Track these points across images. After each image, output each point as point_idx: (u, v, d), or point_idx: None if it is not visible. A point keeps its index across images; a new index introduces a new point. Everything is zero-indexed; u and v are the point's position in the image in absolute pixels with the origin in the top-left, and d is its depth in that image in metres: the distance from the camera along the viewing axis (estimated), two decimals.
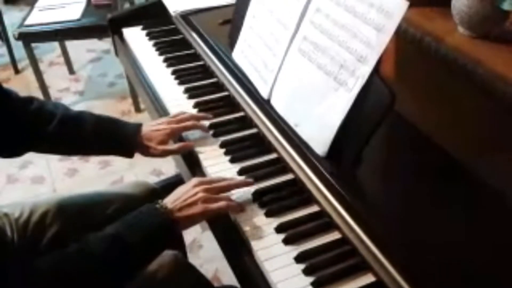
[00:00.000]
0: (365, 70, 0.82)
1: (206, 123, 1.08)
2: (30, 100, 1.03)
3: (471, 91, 0.92)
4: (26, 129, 1.00)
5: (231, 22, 1.25)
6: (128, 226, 0.81)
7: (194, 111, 1.10)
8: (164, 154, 1.04)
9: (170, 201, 0.85)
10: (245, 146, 1.03)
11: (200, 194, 0.85)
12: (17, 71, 2.84)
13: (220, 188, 0.88)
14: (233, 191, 0.90)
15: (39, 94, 2.39)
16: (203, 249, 1.74)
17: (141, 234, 0.80)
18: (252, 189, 0.91)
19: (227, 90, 1.18)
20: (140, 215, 0.83)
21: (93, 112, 1.07)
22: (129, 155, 1.06)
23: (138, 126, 1.06)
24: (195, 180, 0.89)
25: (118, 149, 1.06)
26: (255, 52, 1.09)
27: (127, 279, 0.81)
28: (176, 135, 1.06)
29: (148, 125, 1.06)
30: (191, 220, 0.85)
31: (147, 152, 1.05)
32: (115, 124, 1.06)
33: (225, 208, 0.86)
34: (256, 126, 1.06)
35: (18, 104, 1.01)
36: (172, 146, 1.04)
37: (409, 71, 1.06)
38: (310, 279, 0.75)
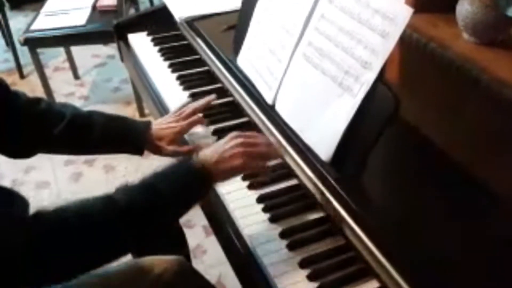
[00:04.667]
0: (369, 76, 0.82)
1: (211, 129, 1.09)
2: (38, 100, 1.04)
3: (476, 97, 0.92)
4: (35, 130, 1.01)
5: (236, 28, 1.26)
6: (161, 175, 0.79)
7: (199, 115, 1.10)
8: (174, 154, 1.04)
9: (206, 154, 0.83)
10: None
11: (238, 149, 0.83)
12: (22, 76, 2.85)
13: (257, 146, 0.86)
14: (234, 197, 0.90)
15: None
16: (207, 254, 1.74)
17: (175, 183, 0.78)
18: (256, 194, 0.91)
19: (231, 95, 1.18)
20: (174, 167, 0.81)
21: (101, 111, 1.08)
22: (139, 153, 1.06)
23: (148, 124, 1.06)
24: (233, 133, 0.87)
25: (127, 148, 1.06)
26: (259, 57, 1.10)
27: (159, 231, 0.79)
28: (185, 132, 1.06)
29: (157, 123, 1.07)
30: (228, 173, 0.83)
31: (157, 150, 1.05)
32: (125, 123, 1.06)
33: (262, 168, 0.86)
34: (260, 131, 1.06)
35: (27, 105, 1.01)
36: (182, 148, 1.04)
37: (414, 77, 1.06)
38: (314, 284, 0.75)
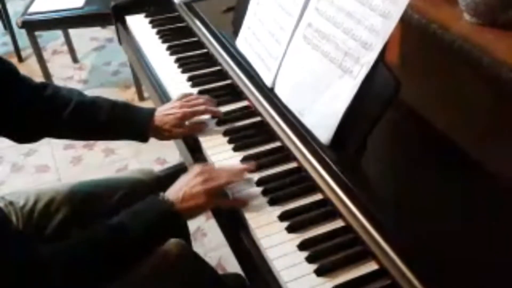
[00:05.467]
0: (370, 57, 0.81)
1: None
2: (44, 86, 1.04)
3: (477, 78, 0.92)
4: (41, 115, 1.01)
5: (235, 9, 1.24)
6: (131, 217, 0.82)
7: (208, 108, 1.08)
8: (177, 135, 1.05)
9: (172, 192, 0.85)
10: (248, 134, 1.03)
11: (200, 187, 0.85)
12: (20, 59, 2.83)
13: (221, 179, 0.87)
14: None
15: None
16: (207, 238, 1.75)
17: (144, 225, 0.81)
18: (255, 177, 0.91)
19: (230, 78, 1.17)
20: (144, 207, 0.84)
21: (107, 98, 1.08)
22: (144, 139, 1.07)
23: (152, 111, 1.06)
24: (196, 168, 0.89)
25: (132, 135, 1.07)
26: (258, 39, 1.09)
27: (129, 267, 0.82)
28: (188, 119, 1.05)
29: (161, 109, 1.06)
30: (193, 211, 0.86)
31: (160, 135, 1.05)
32: (130, 110, 1.07)
33: (228, 203, 0.87)
34: (259, 114, 1.05)
35: (33, 90, 1.02)
36: (183, 129, 1.04)
37: (415, 58, 1.05)
38: (313, 266, 0.75)
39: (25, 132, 1.03)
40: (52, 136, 1.09)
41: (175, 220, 0.84)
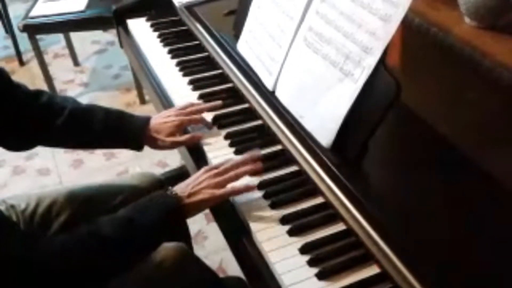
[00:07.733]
0: (371, 61, 0.81)
1: (210, 115, 1.08)
2: (39, 93, 1.03)
3: (477, 82, 0.92)
4: (35, 123, 1.01)
5: (236, 13, 1.25)
6: (139, 210, 0.82)
7: (203, 116, 1.08)
8: (172, 145, 1.04)
9: (180, 188, 0.86)
10: (249, 137, 1.03)
11: (207, 182, 0.86)
12: (22, 63, 2.84)
13: (228, 172, 0.88)
14: (235, 182, 0.90)
15: (44, 86, 2.39)
16: (208, 241, 1.75)
17: (151, 218, 0.81)
18: (257, 180, 0.91)
19: (231, 81, 1.17)
20: (151, 200, 0.85)
21: (102, 106, 1.07)
22: (138, 148, 1.06)
23: (147, 119, 1.05)
24: (205, 167, 0.90)
25: (127, 143, 1.06)
26: (260, 43, 1.09)
27: (135, 261, 0.82)
28: (184, 127, 1.06)
29: (156, 117, 1.06)
30: (198, 206, 0.86)
31: (155, 144, 1.05)
32: (124, 119, 1.06)
33: (231, 193, 0.87)
34: (260, 117, 1.05)
35: (27, 97, 1.01)
36: (180, 137, 1.04)
37: (415, 61, 1.05)
38: (315, 270, 0.75)
39: (18, 140, 1.02)
40: (46, 144, 1.08)
41: (181, 215, 0.84)
